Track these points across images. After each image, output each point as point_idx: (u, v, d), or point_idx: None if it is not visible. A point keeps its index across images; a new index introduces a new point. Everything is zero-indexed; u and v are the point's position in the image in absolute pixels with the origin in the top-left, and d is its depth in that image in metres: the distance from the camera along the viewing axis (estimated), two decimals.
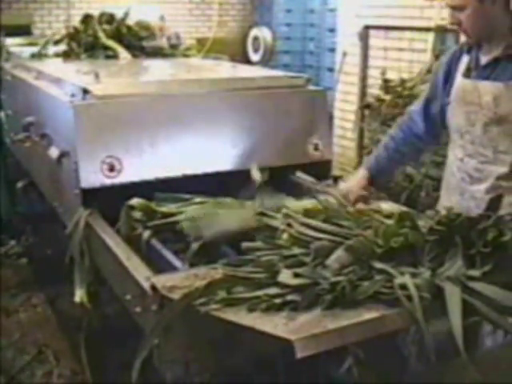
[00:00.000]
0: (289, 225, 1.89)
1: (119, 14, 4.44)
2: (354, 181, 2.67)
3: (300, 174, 2.58)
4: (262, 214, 2.17)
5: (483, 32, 2.35)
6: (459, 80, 2.46)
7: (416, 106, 2.70)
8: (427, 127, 2.64)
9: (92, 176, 2.46)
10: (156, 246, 2.21)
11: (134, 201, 2.35)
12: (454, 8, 2.35)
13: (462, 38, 2.51)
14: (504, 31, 2.34)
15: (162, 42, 4.66)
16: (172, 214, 2.31)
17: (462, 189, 2.49)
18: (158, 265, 2.08)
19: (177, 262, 2.06)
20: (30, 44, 4.78)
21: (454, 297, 1.52)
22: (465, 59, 2.48)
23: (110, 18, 4.37)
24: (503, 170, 2.36)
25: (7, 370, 3.18)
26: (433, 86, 2.64)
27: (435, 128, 2.65)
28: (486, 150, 2.40)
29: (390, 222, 1.86)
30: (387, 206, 2.30)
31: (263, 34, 10.13)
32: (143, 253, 2.19)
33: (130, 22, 4.46)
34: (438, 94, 2.60)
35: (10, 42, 4.79)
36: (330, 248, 1.71)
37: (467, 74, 2.45)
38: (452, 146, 2.58)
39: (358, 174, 2.71)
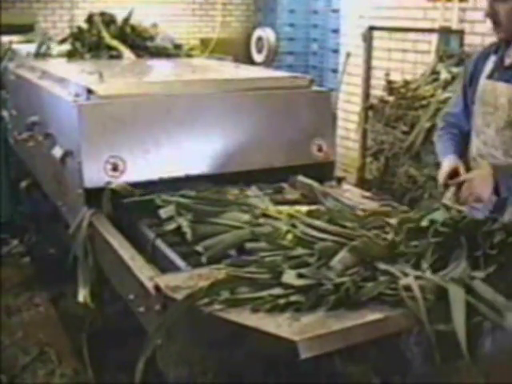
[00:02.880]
0: (293, 225, 1.89)
1: (123, 14, 4.45)
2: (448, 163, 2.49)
3: (301, 178, 2.57)
4: (266, 215, 2.17)
5: None
6: (483, 81, 2.43)
7: (455, 109, 2.64)
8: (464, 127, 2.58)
9: (95, 176, 2.46)
10: (135, 221, 2.40)
11: (115, 185, 2.45)
12: None
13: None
14: None
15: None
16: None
17: None
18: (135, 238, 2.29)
19: (150, 234, 2.24)
20: (28, 41, 4.80)
21: (457, 298, 1.52)
22: (492, 59, 2.43)
23: (110, 19, 4.37)
24: None
25: (9, 369, 3.18)
26: (464, 85, 2.59)
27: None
28: (498, 151, 2.39)
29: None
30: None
31: (267, 34, 10.13)
32: (125, 231, 2.34)
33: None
34: (467, 91, 2.56)
35: (6, 39, 4.80)
36: (334, 249, 1.71)
37: (491, 74, 2.41)
38: (469, 144, 2.57)
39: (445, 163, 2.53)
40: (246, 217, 2.18)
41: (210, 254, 1.99)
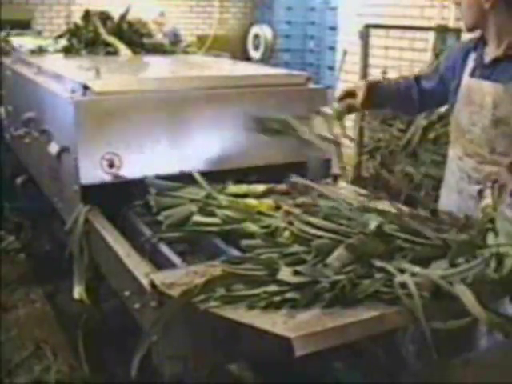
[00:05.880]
0: (290, 222, 1.89)
1: (120, 11, 4.44)
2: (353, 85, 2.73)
3: (295, 178, 2.59)
4: (261, 213, 2.18)
5: (474, 22, 2.37)
6: (466, 79, 2.46)
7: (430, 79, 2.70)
8: (419, 94, 2.66)
9: (92, 172, 2.46)
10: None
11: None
12: None
13: (464, 38, 2.52)
14: (504, 29, 2.33)
15: (159, 39, 4.68)
16: None
17: (460, 188, 2.49)
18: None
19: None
20: (18, 35, 4.80)
21: (466, 293, 1.51)
22: (472, 57, 2.47)
23: (106, 17, 4.37)
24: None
25: (5, 365, 3.18)
26: (437, 69, 2.64)
27: (424, 100, 2.67)
28: (484, 150, 2.40)
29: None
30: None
31: (264, 31, 10.14)
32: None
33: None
34: (438, 75, 2.61)
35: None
36: (331, 246, 1.71)
37: (472, 72, 2.44)
38: (453, 144, 2.58)
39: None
40: (204, 192, 2.35)
41: (168, 222, 2.23)
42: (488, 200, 2.13)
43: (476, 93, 2.39)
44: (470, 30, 2.44)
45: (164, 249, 2.18)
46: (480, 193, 2.18)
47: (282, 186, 2.55)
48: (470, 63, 2.46)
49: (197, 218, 2.20)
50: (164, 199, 2.34)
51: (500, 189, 2.18)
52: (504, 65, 2.34)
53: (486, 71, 2.39)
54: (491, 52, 2.39)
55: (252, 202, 2.34)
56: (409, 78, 2.76)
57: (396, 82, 2.78)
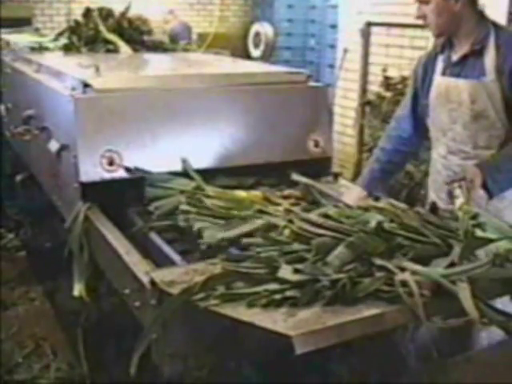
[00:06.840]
0: (290, 221, 1.89)
1: (120, 9, 4.44)
2: (352, 195, 2.63)
3: (295, 176, 2.60)
4: (262, 211, 2.18)
5: (446, 27, 2.44)
6: (439, 79, 2.53)
7: (402, 111, 2.75)
8: (416, 128, 2.69)
9: (91, 170, 2.46)
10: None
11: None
12: (420, 2, 2.43)
13: None
14: (470, 28, 2.42)
15: (163, 37, 4.68)
16: None
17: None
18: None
19: None
20: (16, 33, 4.80)
21: (465, 291, 1.51)
22: (441, 59, 2.56)
23: (108, 13, 4.37)
24: None
25: (5, 363, 3.18)
26: (414, 88, 2.70)
27: (422, 127, 2.69)
28: (467, 146, 2.49)
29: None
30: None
31: (264, 29, 10.12)
32: None
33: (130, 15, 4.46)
34: (419, 94, 2.67)
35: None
36: (331, 244, 1.70)
37: (443, 72, 2.53)
38: (435, 144, 2.65)
39: (353, 190, 2.69)
40: (193, 184, 2.42)
41: (158, 212, 2.31)
42: (461, 199, 2.16)
43: (452, 91, 2.47)
44: (440, 35, 2.51)
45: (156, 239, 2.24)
46: (450, 194, 2.21)
47: (271, 179, 2.65)
48: (440, 64, 2.55)
49: (184, 207, 2.27)
50: (155, 190, 2.42)
51: (468, 185, 2.21)
52: (472, 61, 2.43)
53: (455, 69, 2.48)
54: (458, 51, 2.47)
55: (240, 193, 2.40)
56: (395, 115, 2.80)
57: (382, 153, 2.75)
